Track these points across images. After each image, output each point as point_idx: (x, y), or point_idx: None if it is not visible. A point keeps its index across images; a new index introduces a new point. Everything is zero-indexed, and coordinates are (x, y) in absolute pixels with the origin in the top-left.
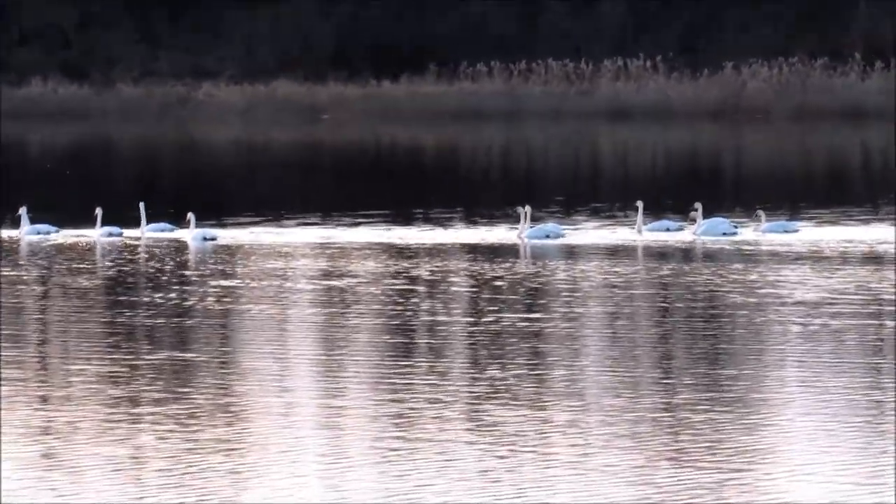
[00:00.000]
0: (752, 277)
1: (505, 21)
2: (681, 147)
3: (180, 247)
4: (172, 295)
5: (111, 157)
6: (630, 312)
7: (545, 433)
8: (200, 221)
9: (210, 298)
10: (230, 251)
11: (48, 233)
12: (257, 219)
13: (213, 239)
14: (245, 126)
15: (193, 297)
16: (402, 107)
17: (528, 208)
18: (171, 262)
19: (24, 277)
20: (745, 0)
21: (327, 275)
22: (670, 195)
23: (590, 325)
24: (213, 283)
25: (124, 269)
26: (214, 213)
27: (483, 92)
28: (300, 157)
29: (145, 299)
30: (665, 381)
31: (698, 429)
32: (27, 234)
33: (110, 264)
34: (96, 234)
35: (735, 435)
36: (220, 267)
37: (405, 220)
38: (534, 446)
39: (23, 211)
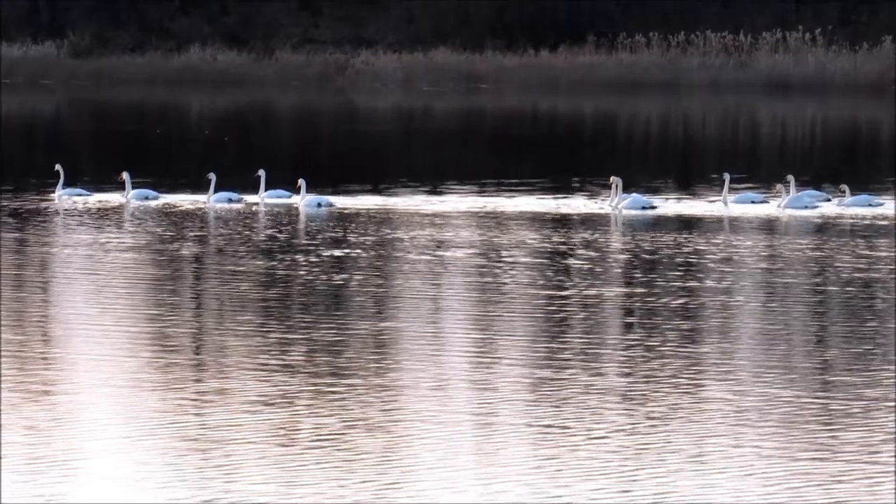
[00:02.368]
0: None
1: None
2: (835, 121)
3: (295, 213)
4: (307, 263)
5: (270, 124)
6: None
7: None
8: (358, 188)
9: (358, 269)
10: (374, 219)
11: (154, 198)
12: (416, 185)
13: (329, 205)
14: (402, 95)
15: (338, 267)
16: (560, 77)
17: (618, 180)
18: (289, 229)
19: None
20: None
21: (479, 244)
22: (818, 169)
23: (736, 299)
24: (357, 253)
25: (235, 236)
26: (372, 180)
27: (641, 63)
28: (458, 125)
29: (268, 268)
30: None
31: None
32: (134, 198)
33: (224, 230)
34: (210, 200)
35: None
36: (362, 237)
37: (562, 189)
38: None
39: (126, 176)
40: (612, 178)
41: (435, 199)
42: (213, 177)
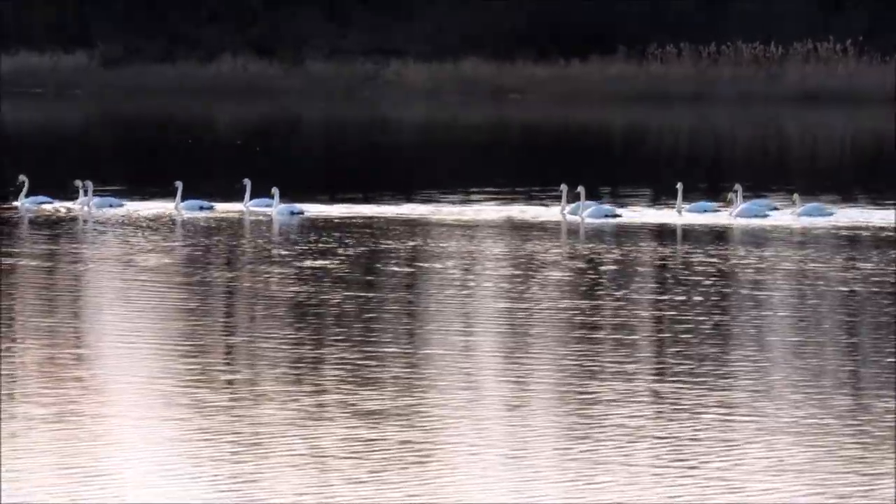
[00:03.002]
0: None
1: (695, 2)
2: (864, 132)
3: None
4: (339, 273)
5: (300, 134)
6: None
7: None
8: (388, 197)
9: (390, 281)
10: (399, 230)
11: (117, 205)
12: (443, 196)
13: (300, 213)
14: (432, 105)
15: (375, 284)
16: (590, 87)
17: (580, 188)
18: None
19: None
20: None
21: (508, 255)
22: (834, 180)
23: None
24: (391, 265)
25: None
26: (402, 191)
27: (671, 74)
28: (486, 136)
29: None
30: None
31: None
32: (97, 206)
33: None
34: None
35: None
36: (394, 248)
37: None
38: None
39: (179, 185)
40: (561, 186)
41: (464, 209)
42: (179, 184)
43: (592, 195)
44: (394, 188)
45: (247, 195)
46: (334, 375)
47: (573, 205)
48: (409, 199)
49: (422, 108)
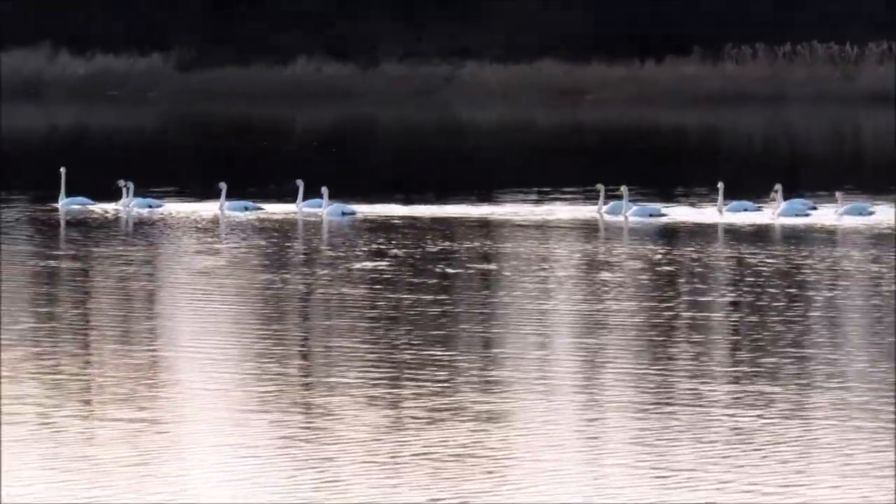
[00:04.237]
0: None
1: (771, 2)
2: None
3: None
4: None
5: (374, 137)
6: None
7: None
8: (460, 198)
9: (461, 283)
10: (473, 230)
11: (157, 206)
12: (512, 196)
13: (351, 213)
14: (507, 106)
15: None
16: (666, 89)
17: (622, 188)
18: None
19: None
20: None
21: (585, 256)
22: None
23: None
24: (465, 267)
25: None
26: (475, 192)
27: (746, 75)
28: (561, 138)
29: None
30: None
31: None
32: (137, 206)
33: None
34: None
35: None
36: (468, 249)
37: (665, 199)
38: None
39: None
40: (597, 185)
41: (538, 209)
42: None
43: (651, 196)
44: (467, 190)
45: (299, 196)
46: (410, 378)
47: (611, 204)
48: (483, 201)
49: (496, 109)
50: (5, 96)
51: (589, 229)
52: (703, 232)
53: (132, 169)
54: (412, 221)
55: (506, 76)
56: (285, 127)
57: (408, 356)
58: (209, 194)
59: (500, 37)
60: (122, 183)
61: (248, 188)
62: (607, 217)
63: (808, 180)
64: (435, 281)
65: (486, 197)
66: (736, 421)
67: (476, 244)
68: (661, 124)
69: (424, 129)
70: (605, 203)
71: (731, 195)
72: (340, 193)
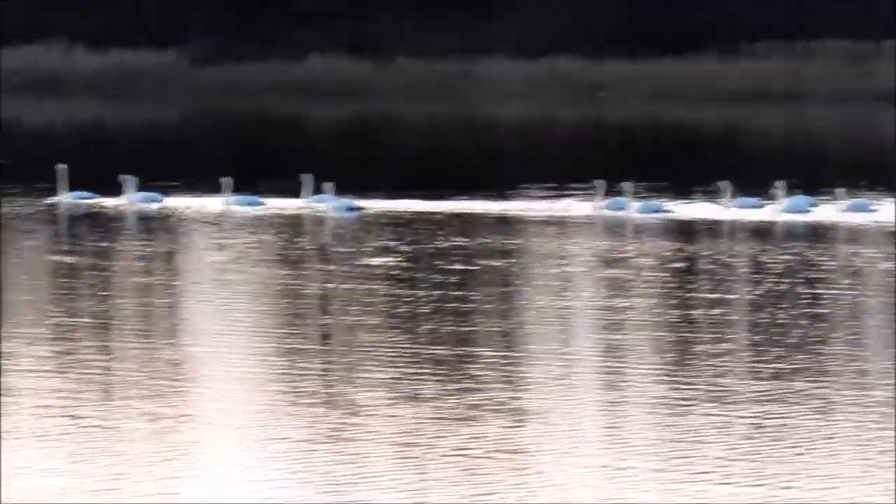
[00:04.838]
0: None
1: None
2: None
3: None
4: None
5: (391, 133)
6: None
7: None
8: (476, 195)
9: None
10: (494, 226)
11: (159, 200)
12: (536, 193)
13: (357, 209)
14: (524, 102)
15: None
16: (683, 85)
17: (623, 184)
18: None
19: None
20: None
21: (604, 255)
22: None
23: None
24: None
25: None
26: (492, 188)
27: (764, 72)
28: (579, 134)
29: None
30: None
31: None
32: (139, 201)
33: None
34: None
35: None
36: (487, 245)
37: (679, 196)
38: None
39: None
40: (596, 182)
41: (556, 206)
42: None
43: (662, 192)
44: (484, 186)
45: (307, 191)
46: (432, 374)
47: (609, 200)
48: (500, 197)
49: (513, 105)
50: (22, 91)
51: (600, 226)
52: (707, 229)
53: (144, 164)
54: (429, 217)
55: (523, 72)
56: (301, 123)
57: (430, 352)
58: (218, 189)
59: (517, 33)
60: (122, 178)
61: (260, 182)
62: (606, 213)
63: (817, 177)
64: (453, 277)
65: (503, 193)
66: (762, 420)
67: (491, 241)
68: (677, 121)
69: (441, 125)
70: (604, 199)
71: (743, 191)
72: (356, 189)
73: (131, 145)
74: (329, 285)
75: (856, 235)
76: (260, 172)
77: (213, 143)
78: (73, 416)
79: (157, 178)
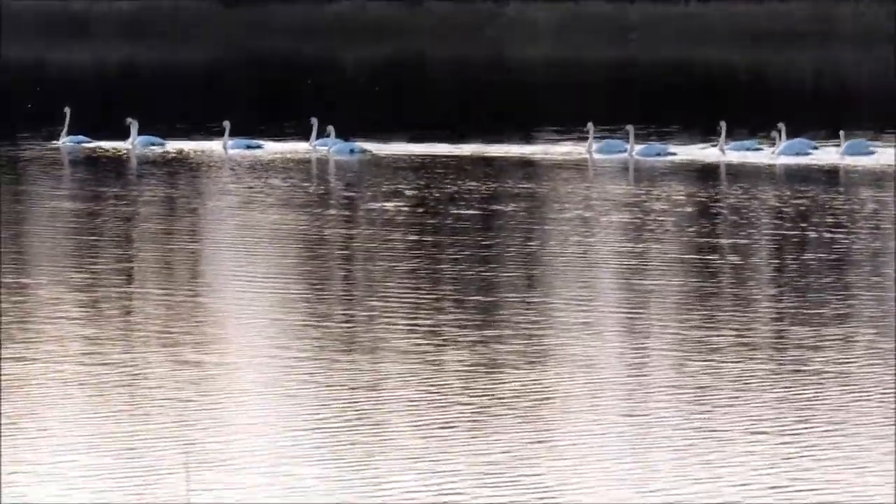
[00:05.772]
0: None
1: None
2: None
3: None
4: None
5: (421, 74)
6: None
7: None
8: (504, 137)
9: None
10: (519, 170)
11: (159, 144)
12: (565, 136)
13: (361, 152)
14: (554, 44)
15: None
16: (711, 26)
17: (628, 127)
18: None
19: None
20: None
21: (628, 198)
22: None
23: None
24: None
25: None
26: (519, 130)
27: (792, 12)
28: (608, 75)
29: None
30: None
31: None
32: (140, 145)
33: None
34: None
35: None
36: (511, 189)
37: (696, 138)
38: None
39: (226, 125)
40: (587, 125)
41: (582, 148)
42: (227, 124)
43: (673, 134)
44: (511, 128)
45: (313, 134)
46: (453, 326)
47: (601, 143)
48: (526, 140)
49: (543, 46)
50: (52, 33)
51: (616, 169)
52: (705, 172)
53: (167, 106)
54: (457, 161)
55: (552, 14)
56: (332, 64)
57: (454, 301)
58: (236, 132)
59: None
60: (129, 121)
61: (287, 124)
62: (597, 156)
63: (843, 120)
64: (478, 223)
65: (529, 136)
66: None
67: (512, 184)
68: (703, 63)
69: (470, 66)
70: (594, 142)
71: (764, 134)
72: (383, 132)
73: (160, 88)
74: (347, 230)
75: (851, 179)
76: (286, 114)
77: (245, 84)
78: (88, 364)
79: (180, 121)
